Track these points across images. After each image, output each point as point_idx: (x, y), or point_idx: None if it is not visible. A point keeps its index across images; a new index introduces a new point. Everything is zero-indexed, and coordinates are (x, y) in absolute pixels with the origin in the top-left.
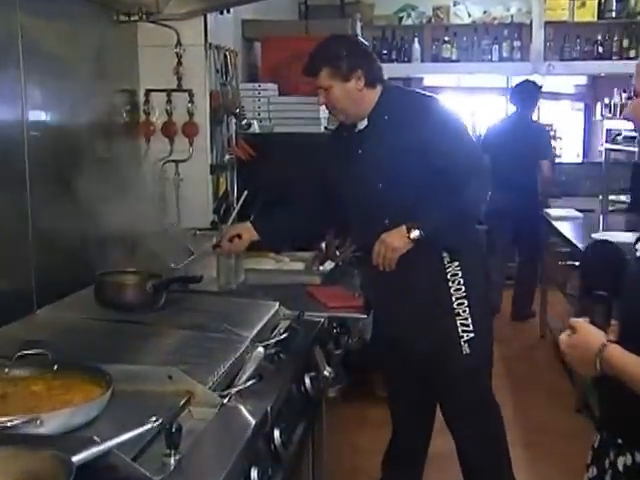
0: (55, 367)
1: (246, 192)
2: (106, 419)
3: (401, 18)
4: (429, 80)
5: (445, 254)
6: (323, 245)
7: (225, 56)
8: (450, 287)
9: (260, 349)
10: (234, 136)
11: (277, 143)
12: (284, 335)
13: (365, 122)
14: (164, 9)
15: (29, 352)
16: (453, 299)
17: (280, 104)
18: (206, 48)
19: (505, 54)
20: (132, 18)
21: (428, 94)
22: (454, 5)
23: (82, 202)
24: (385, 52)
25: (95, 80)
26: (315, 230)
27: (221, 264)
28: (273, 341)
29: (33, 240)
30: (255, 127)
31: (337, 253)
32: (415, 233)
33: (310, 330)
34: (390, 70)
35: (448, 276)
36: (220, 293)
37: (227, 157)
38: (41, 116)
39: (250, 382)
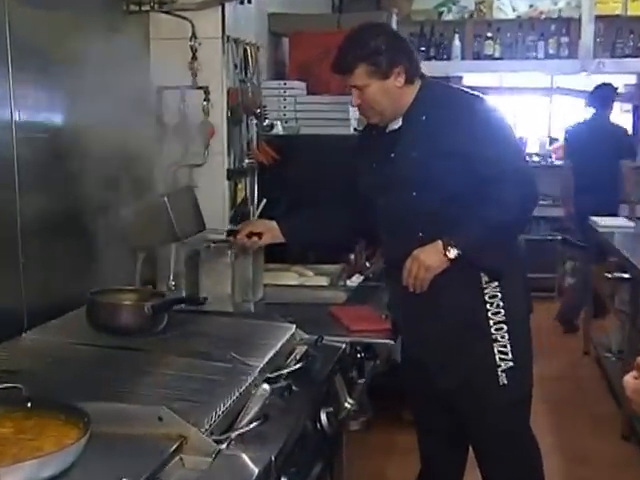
0: (29, 404)
1: (265, 200)
2: (80, 471)
3: (441, 13)
4: (469, 79)
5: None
6: (352, 256)
7: (245, 50)
8: (488, 310)
9: (265, 387)
10: (255, 138)
11: (303, 146)
12: (298, 365)
13: (399, 122)
14: None
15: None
16: (491, 323)
17: (308, 104)
18: (224, 41)
19: (551, 51)
20: (143, 8)
21: (472, 92)
22: None
23: (81, 212)
24: (423, 49)
25: (101, 77)
26: (344, 239)
27: (236, 279)
28: (285, 372)
29: (24, 252)
30: (279, 128)
31: (367, 265)
32: (453, 251)
33: (330, 357)
34: (428, 68)
35: (486, 297)
36: (230, 314)
37: (246, 161)
38: (33, 117)
39: (253, 424)
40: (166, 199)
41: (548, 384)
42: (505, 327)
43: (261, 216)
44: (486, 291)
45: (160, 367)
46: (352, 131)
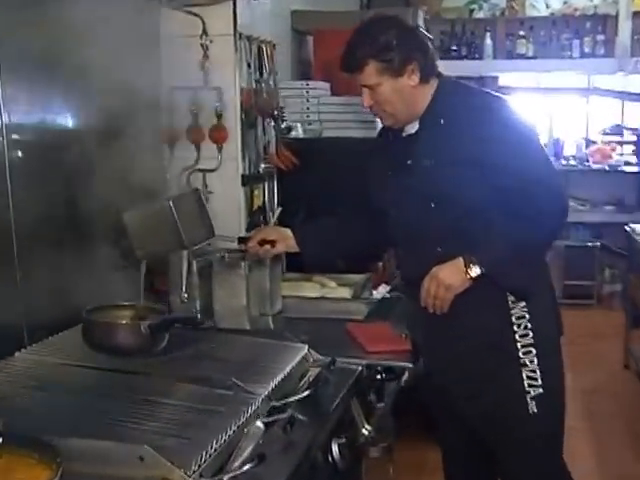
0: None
1: (280, 208)
2: None
3: (472, 10)
4: (504, 79)
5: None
6: (380, 264)
7: (260, 49)
8: (515, 332)
9: (259, 425)
10: (274, 142)
11: (325, 150)
12: (306, 393)
13: (416, 125)
14: None
15: None
16: (518, 346)
17: (331, 105)
18: (236, 39)
19: (587, 50)
20: (152, 4)
21: (495, 93)
22: None
23: (82, 221)
24: (454, 48)
25: (107, 76)
26: (368, 249)
27: (252, 291)
28: (293, 399)
29: (20, 264)
30: (299, 131)
31: (395, 274)
32: (475, 270)
33: (345, 380)
34: (459, 68)
35: (513, 319)
36: (239, 332)
37: (263, 166)
38: (27, 120)
39: (246, 466)
40: (171, 203)
41: (584, 398)
42: (534, 350)
43: (280, 222)
44: (513, 311)
45: (153, 394)
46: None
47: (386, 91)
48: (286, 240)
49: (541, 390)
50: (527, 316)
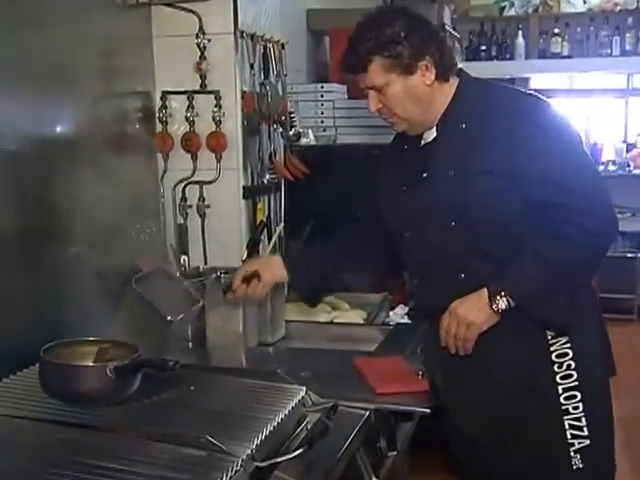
0: None
1: (282, 224)
2: None
3: (503, 8)
4: (536, 81)
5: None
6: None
7: (265, 48)
8: (556, 373)
9: None
10: (281, 150)
11: (340, 157)
12: (296, 452)
13: (433, 132)
14: None
15: None
16: (560, 390)
17: (348, 109)
18: (236, 37)
19: (628, 47)
20: (141, 0)
21: (526, 92)
22: None
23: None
24: (484, 48)
25: (97, 81)
26: (383, 267)
27: (251, 317)
28: (281, 460)
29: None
30: (310, 137)
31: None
32: (502, 302)
33: (349, 427)
34: (488, 69)
35: (553, 357)
36: (227, 371)
37: (268, 177)
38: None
39: None
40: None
41: (624, 427)
42: (578, 395)
43: (283, 242)
44: (553, 348)
45: (107, 458)
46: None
47: (396, 92)
48: (271, 268)
49: (587, 442)
50: (570, 353)
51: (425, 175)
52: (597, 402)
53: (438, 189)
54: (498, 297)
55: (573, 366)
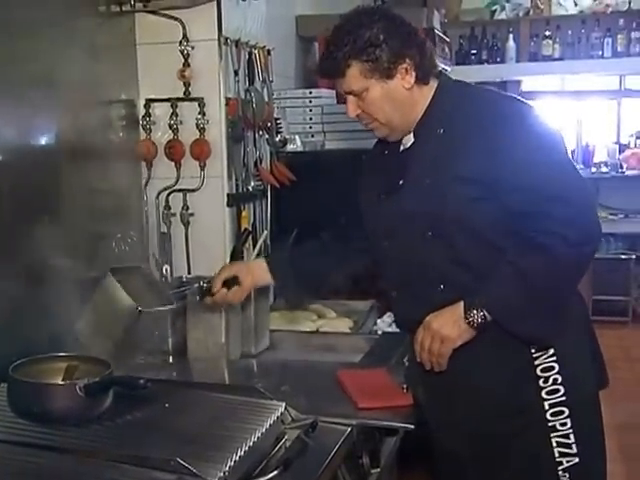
0: None
1: (267, 232)
2: None
3: (494, 12)
4: (528, 83)
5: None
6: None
7: (250, 54)
8: (542, 388)
9: None
10: (267, 157)
11: (327, 163)
12: (273, 474)
13: (412, 138)
14: None
15: None
16: (546, 406)
17: (337, 114)
18: (220, 44)
19: (620, 49)
20: (124, 8)
21: (506, 94)
22: None
23: (46, 252)
24: (474, 52)
25: (80, 89)
26: (362, 283)
27: (234, 327)
28: None
29: None
30: (297, 144)
31: None
32: (478, 316)
33: (330, 444)
34: (479, 73)
35: (538, 371)
36: (203, 386)
37: (253, 184)
38: None
39: None
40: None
41: (618, 434)
42: (566, 411)
43: (268, 250)
44: (537, 362)
45: None
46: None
47: (375, 97)
48: (253, 272)
49: (576, 460)
50: (556, 367)
51: (402, 182)
52: (586, 418)
53: (414, 197)
54: (474, 311)
55: (560, 380)
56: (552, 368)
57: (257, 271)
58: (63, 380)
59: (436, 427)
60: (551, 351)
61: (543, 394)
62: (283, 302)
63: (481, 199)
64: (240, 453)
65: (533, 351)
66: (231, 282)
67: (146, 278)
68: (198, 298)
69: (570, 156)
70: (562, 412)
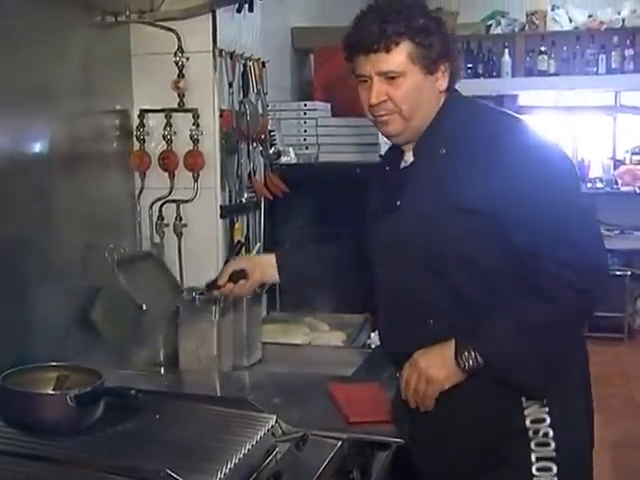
0: None
1: (259, 244)
2: None
3: (489, 26)
4: (524, 99)
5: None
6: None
7: (245, 66)
8: (530, 439)
9: None
10: (261, 169)
11: (321, 175)
12: None
13: (411, 156)
14: (160, 6)
15: None
16: (533, 459)
17: (331, 127)
18: (215, 56)
19: (614, 65)
20: (119, 19)
21: (518, 119)
22: (552, 10)
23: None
24: (470, 66)
25: (75, 99)
26: (360, 295)
27: (226, 339)
28: None
29: None
30: (291, 156)
31: None
32: (470, 360)
33: (320, 458)
34: (475, 87)
35: (527, 422)
36: (194, 398)
37: (246, 196)
38: None
39: None
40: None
41: (613, 451)
42: (554, 467)
43: None
44: (528, 411)
45: None
46: (378, 158)
47: (411, 86)
48: (261, 268)
49: None
50: (548, 420)
51: (399, 203)
52: (576, 476)
53: (410, 222)
54: (466, 353)
55: (551, 434)
56: (543, 420)
57: (266, 267)
58: (54, 390)
59: (422, 462)
60: (544, 402)
61: (532, 446)
62: (276, 315)
63: (482, 233)
64: (230, 465)
65: (523, 399)
66: (238, 275)
67: (155, 264)
68: (206, 289)
69: (580, 186)
70: (550, 469)
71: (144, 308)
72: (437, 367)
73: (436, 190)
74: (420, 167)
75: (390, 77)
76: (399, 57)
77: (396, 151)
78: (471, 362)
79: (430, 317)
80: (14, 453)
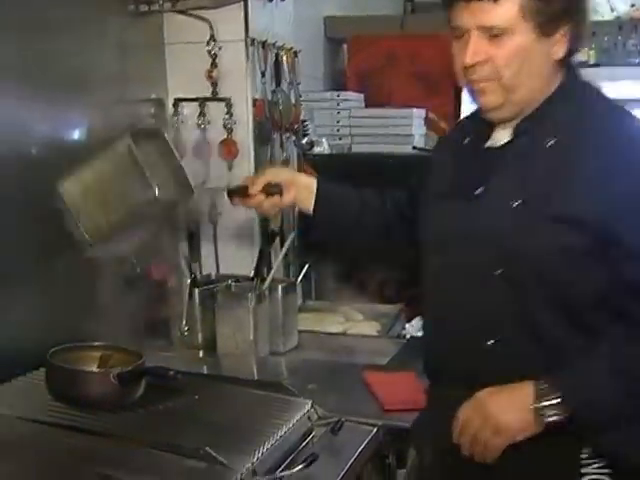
0: None
1: (294, 233)
2: None
3: None
4: None
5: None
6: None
7: (277, 56)
8: None
9: None
10: (294, 158)
11: (354, 166)
12: (298, 467)
13: (507, 135)
14: None
15: None
16: None
17: (364, 118)
18: (247, 45)
19: None
20: (153, 8)
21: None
22: None
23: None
24: None
25: (110, 87)
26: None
27: (262, 325)
28: (283, 474)
29: None
30: (324, 146)
31: None
32: (552, 411)
33: (356, 443)
34: None
35: None
36: (232, 380)
37: None
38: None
39: None
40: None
41: None
42: None
43: (295, 251)
44: (586, 470)
45: (106, 464)
46: (411, 150)
47: (519, 47)
48: (298, 188)
49: None
50: None
51: (479, 192)
52: None
53: (489, 219)
54: (550, 400)
55: None
56: None
57: (302, 190)
58: (98, 368)
59: None
60: (603, 463)
61: None
62: (311, 303)
63: (585, 254)
64: (268, 446)
65: (584, 456)
66: (273, 189)
67: (165, 149)
68: (226, 195)
69: None
70: None
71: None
72: (511, 414)
73: (535, 186)
74: (517, 153)
75: (493, 34)
76: (508, 9)
77: (480, 123)
78: (553, 413)
79: (490, 337)
80: (61, 425)
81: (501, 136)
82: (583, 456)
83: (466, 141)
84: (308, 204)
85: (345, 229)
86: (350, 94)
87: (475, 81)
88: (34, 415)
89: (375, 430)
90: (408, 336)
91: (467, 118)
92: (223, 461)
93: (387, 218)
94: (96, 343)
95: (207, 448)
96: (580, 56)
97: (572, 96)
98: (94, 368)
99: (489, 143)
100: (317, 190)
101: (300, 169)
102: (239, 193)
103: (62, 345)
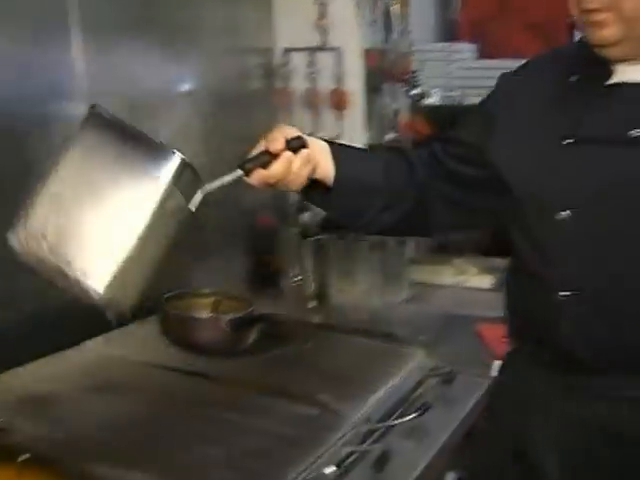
0: (22, 457)
1: None
2: None
3: None
4: None
5: None
6: None
7: (388, 4)
8: None
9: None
10: (405, 109)
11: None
12: (410, 417)
13: (631, 72)
14: None
15: None
16: None
17: (476, 69)
18: None
19: None
20: None
21: None
22: None
23: None
24: None
25: (219, 37)
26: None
27: (374, 276)
28: (395, 423)
29: None
30: (435, 98)
31: None
32: None
33: (469, 395)
34: None
35: None
36: (344, 330)
37: (388, 136)
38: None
39: None
40: None
41: None
42: None
43: None
44: None
45: (219, 406)
46: None
47: None
48: (313, 149)
49: None
50: None
51: (572, 141)
52: None
53: (589, 178)
54: None
55: None
56: None
57: (318, 153)
58: (210, 314)
59: None
60: None
61: None
62: (424, 255)
63: None
64: (380, 394)
65: None
66: (297, 143)
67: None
68: (240, 171)
69: None
70: None
71: None
72: None
73: None
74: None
75: None
76: None
77: (590, 60)
78: None
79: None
80: (175, 369)
81: (622, 73)
82: None
83: (573, 79)
84: (328, 170)
85: (372, 200)
86: (462, 45)
87: (591, 11)
88: (148, 358)
89: (488, 384)
90: None
91: (555, 56)
92: (336, 408)
93: (421, 190)
94: (207, 290)
95: (320, 395)
96: None
97: None
98: (206, 314)
99: (614, 79)
100: (333, 154)
101: (411, 120)
102: (259, 162)
103: (175, 292)
